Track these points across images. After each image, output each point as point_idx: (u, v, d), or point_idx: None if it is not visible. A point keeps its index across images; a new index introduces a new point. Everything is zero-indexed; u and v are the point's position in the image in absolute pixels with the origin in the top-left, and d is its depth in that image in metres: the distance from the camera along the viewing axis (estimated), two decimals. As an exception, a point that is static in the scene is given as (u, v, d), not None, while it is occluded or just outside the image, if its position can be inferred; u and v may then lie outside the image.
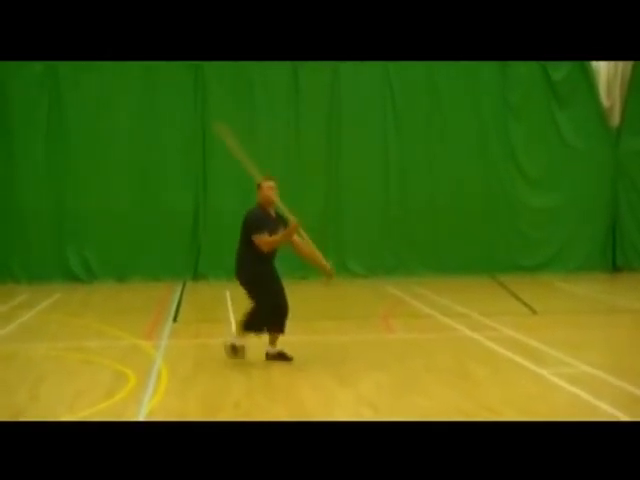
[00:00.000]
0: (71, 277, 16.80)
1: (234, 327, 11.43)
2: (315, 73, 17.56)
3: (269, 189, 9.31)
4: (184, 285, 16.25)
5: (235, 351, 9.28)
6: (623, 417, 7.17)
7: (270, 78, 17.52)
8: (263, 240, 9.04)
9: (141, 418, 7.25)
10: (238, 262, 9.40)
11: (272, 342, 9.48)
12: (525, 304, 13.64)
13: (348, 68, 17.58)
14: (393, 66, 17.75)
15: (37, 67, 16.85)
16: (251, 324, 9.27)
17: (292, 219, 9.21)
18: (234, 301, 14.19)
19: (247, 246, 9.19)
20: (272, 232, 9.14)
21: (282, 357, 9.44)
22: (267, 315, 9.25)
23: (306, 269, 17.14)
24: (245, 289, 9.39)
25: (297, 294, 15.20)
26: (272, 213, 9.34)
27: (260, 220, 9.17)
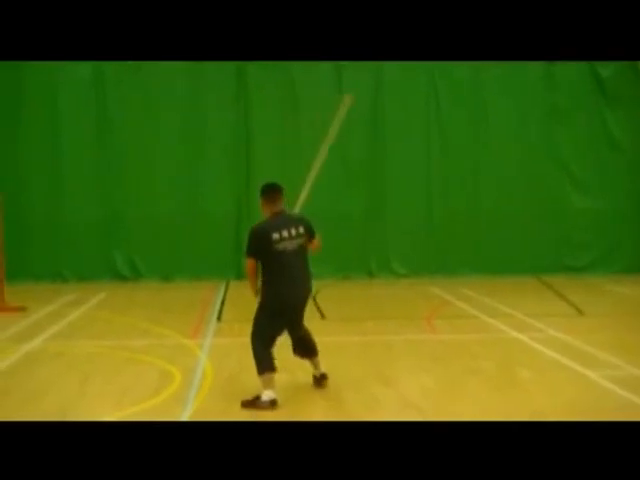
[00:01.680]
0: (117, 276, 16.91)
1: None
2: (359, 76, 17.51)
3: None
4: (227, 284, 16.25)
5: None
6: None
7: (313, 80, 17.49)
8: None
9: (186, 416, 7.23)
10: (309, 275, 8.25)
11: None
12: (572, 305, 13.44)
13: (392, 70, 17.52)
14: (438, 68, 17.67)
15: (85, 72, 17.02)
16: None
17: None
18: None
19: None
20: None
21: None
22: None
23: (348, 270, 17.16)
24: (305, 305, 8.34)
25: (340, 294, 15.27)
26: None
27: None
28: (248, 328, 11.60)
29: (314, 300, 14.06)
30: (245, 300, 14.37)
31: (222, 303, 14.07)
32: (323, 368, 8.34)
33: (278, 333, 8.00)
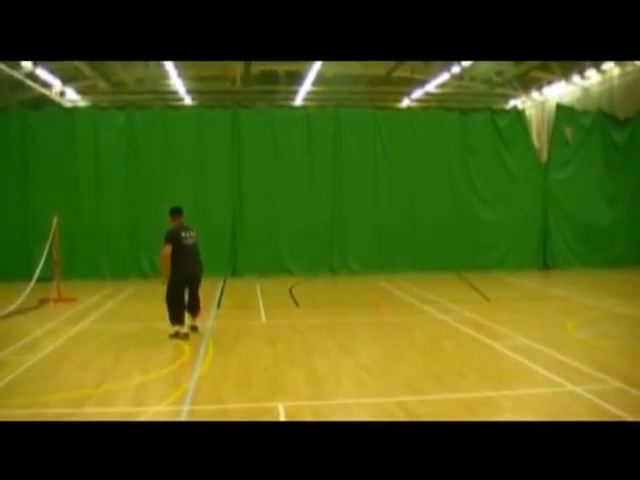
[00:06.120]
0: (142, 274, 16.73)
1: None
2: (323, 119, 17.67)
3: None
4: (225, 280, 16.11)
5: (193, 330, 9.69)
6: (554, 377, 7.08)
7: (288, 122, 17.53)
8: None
9: (195, 379, 7.15)
10: (200, 261, 9.89)
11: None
12: (481, 293, 13.48)
13: (347, 114, 17.79)
14: (381, 114, 18.11)
15: (120, 118, 17.04)
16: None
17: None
18: (263, 292, 14.16)
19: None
20: None
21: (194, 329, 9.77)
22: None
23: (316, 268, 17.12)
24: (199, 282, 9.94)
25: (310, 287, 15.22)
26: None
27: None
28: (240, 313, 11.69)
29: (290, 292, 14.03)
30: (238, 292, 14.40)
31: (221, 294, 13.95)
32: (198, 324, 9.87)
33: (182, 294, 9.53)
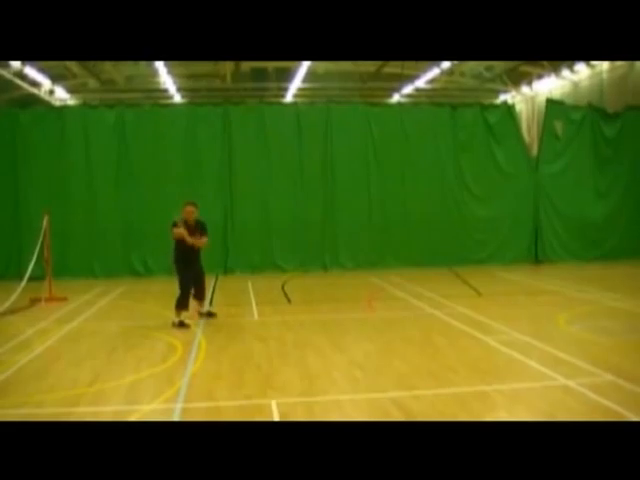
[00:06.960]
0: (134, 273, 16.67)
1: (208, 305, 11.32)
2: (313, 115, 17.65)
3: (186, 212, 10.48)
4: (217, 278, 16.07)
5: (182, 325, 9.98)
6: (547, 371, 7.10)
7: (278, 118, 17.47)
8: (175, 231, 10.25)
9: (187, 377, 7.13)
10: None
11: (201, 305, 10.77)
12: (473, 288, 13.50)
13: (337, 110, 17.74)
14: (372, 110, 18.08)
15: (109, 116, 16.97)
16: (179, 303, 10.14)
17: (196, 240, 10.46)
18: (255, 289, 14.13)
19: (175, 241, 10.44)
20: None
21: (210, 315, 10.64)
22: (185, 293, 10.23)
23: (308, 265, 17.10)
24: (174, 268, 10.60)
25: (302, 283, 15.21)
26: (191, 223, 10.49)
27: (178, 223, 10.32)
28: (233, 310, 11.67)
29: (282, 288, 14.01)
30: (230, 289, 14.38)
31: (213, 292, 13.90)
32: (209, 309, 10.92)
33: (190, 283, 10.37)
